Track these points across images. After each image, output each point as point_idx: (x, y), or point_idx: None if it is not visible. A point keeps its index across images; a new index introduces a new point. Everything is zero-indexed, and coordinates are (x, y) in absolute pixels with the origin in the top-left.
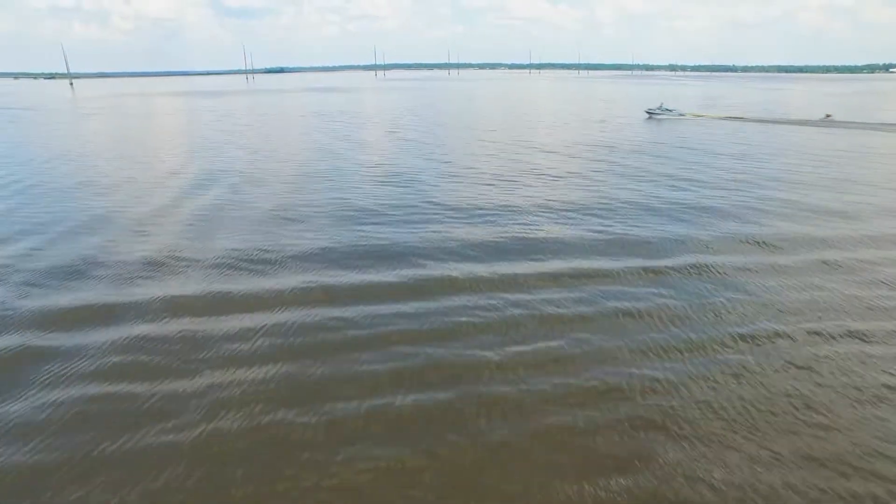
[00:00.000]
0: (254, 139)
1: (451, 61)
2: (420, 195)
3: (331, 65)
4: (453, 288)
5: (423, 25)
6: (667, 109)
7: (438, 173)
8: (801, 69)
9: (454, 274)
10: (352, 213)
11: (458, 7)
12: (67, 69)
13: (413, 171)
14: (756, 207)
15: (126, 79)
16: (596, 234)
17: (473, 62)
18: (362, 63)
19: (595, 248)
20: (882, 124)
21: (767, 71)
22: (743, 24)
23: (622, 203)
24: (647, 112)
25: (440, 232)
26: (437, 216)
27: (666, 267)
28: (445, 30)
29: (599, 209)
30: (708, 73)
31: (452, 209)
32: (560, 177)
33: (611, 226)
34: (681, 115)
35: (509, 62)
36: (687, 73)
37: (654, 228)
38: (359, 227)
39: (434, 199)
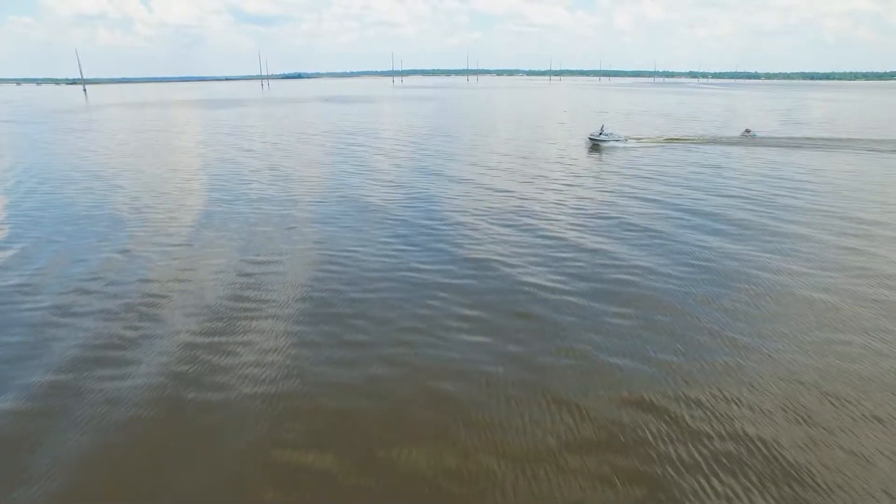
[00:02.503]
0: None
1: (469, 68)
2: None
3: (349, 71)
4: None
5: (441, 32)
6: (608, 135)
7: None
8: (827, 76)
9: None
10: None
11: (476, 14)
12: (81, 75)
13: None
14: None
15: (146, 84)
16: None
17: (492, 69)
18: (380, 69)
19: None
20: None
21: (791, 78)
22: (765, 31)
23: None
24: (591, 139)
25: None
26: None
27: None
28: (463, 36)
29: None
30: (731, 81)
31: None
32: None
33: None
34: (616, 140)
35: (527, 69)
36: (709, 81)
37: None
38: None
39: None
